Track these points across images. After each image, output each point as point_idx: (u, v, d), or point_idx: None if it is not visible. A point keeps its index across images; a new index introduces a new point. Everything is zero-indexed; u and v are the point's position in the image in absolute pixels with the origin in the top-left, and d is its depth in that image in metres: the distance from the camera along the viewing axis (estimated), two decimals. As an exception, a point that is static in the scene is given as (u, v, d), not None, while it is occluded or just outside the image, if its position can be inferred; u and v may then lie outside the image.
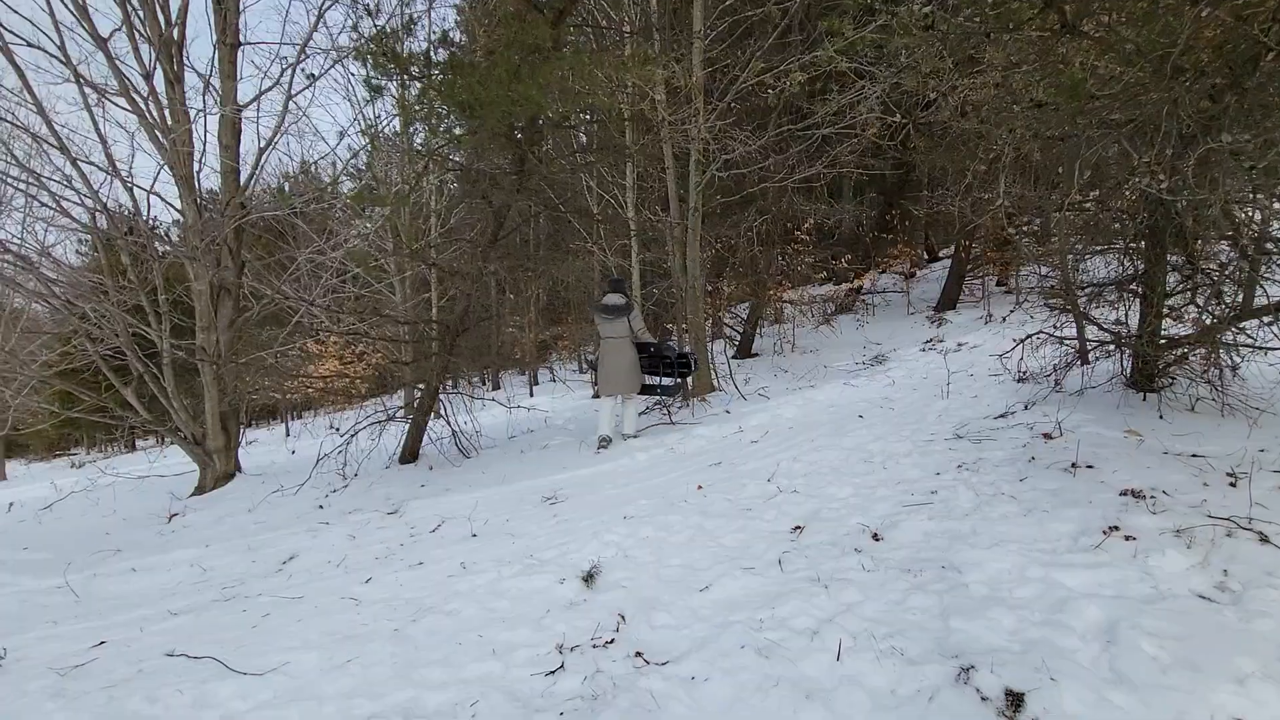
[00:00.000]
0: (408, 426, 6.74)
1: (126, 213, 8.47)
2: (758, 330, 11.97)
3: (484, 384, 17.04)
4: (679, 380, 6.48)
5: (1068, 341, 4.73)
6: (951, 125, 5.92)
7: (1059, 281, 4.66)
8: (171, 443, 10.21)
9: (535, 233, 16.25)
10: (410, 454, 6.63)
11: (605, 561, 3.26)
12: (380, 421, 6.54)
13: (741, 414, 6.43)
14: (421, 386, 6.97)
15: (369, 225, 11.29)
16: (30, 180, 6.19)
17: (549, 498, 4.77)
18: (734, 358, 10.84)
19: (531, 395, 12.87)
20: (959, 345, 7.99)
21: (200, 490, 6.50)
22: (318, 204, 8.67)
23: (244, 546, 4.53)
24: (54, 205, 6.19)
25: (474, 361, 8.33)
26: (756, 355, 11.14)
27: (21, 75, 5.76)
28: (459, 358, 6.88)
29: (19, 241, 7.37)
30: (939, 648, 2.23)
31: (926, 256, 14.80)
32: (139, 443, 20.24)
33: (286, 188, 16.00)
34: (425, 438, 6.73)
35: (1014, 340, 5.48)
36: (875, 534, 3.10)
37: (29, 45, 5.69)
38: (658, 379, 6.37)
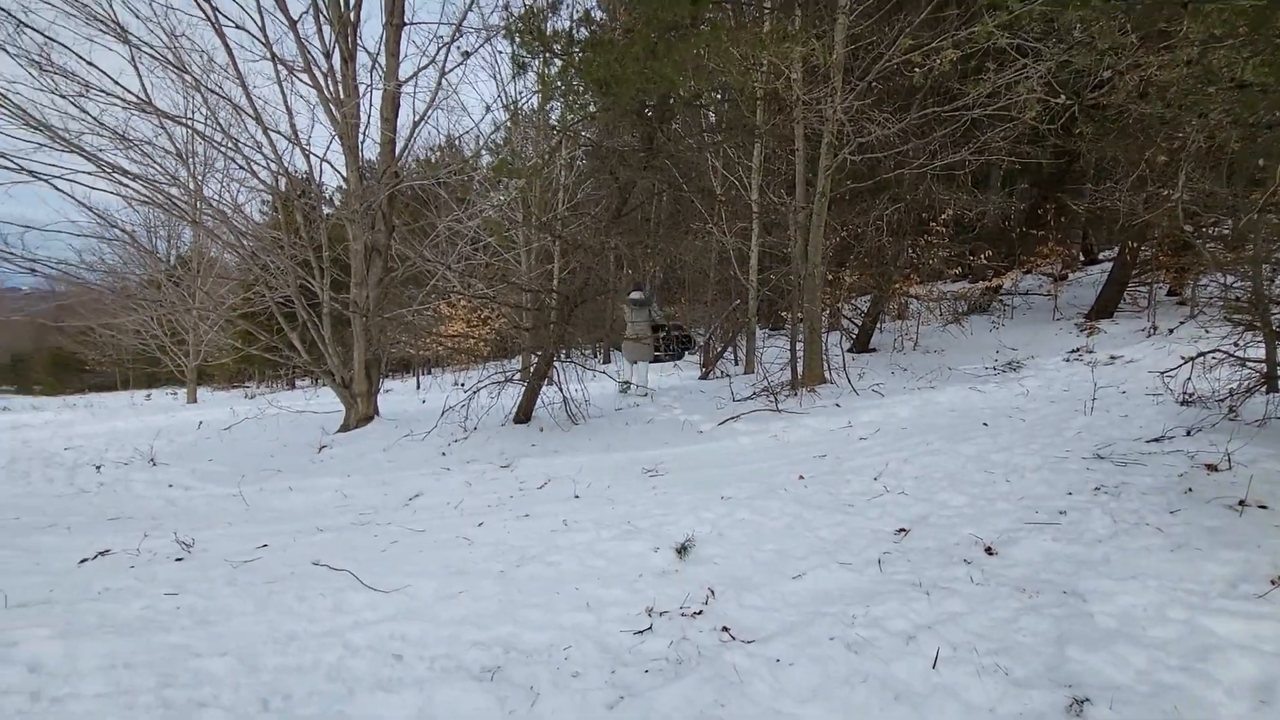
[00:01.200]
0: (523, 389, 7.12)
1: (302, 177, 9.59)
2: (878, 324, 11.45)
3: (596, 356, 17.60)
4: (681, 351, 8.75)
5: (1252, 364, 4.10)
6: (1128, 109, 5.23)
7: (1249, 294, 4.03)
8: (324, 384, 11.55)
9: (657, 210, 16.37)
10: (524, 414, 7.00)
11: (700, 537, 3.31)
12: (499, 382, 6.97)
13: (852, 409, 6.28)
14: (538, 353, 7.33)
15: (503, 197, 11.95)
16: (230, 146, 7.15)
17: (649, 470, 4.90)
18: (850, 350, 10.53)
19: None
20: (1112, 358, 7.18)
21: (345, 428, 7.26)
22: (460, 175, 9.31)
23: (379, 481, 5.04)
24: (246, 168, 7.11)
25: (589, 333, 8.62)
26: (874, 350, 10.75)
27: (230, 53, 6.65)
28: (575, 328, 7.14)
29: (218, 199, 8.58)
30: (1050, 674, 2.08)
31: (1083, 258, 13.30)
32: (298, 382, 23.02)
33: (434, 159, 17.28)
34: (538, 401, 7.08)
35: (1182, 358, 4.85)
36: (989, 547, 2.93)
37: (236, 27, 6.54)
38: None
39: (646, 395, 8.00)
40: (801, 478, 4.26)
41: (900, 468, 4.19)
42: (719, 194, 10.90)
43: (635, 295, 9.11)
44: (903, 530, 3.21)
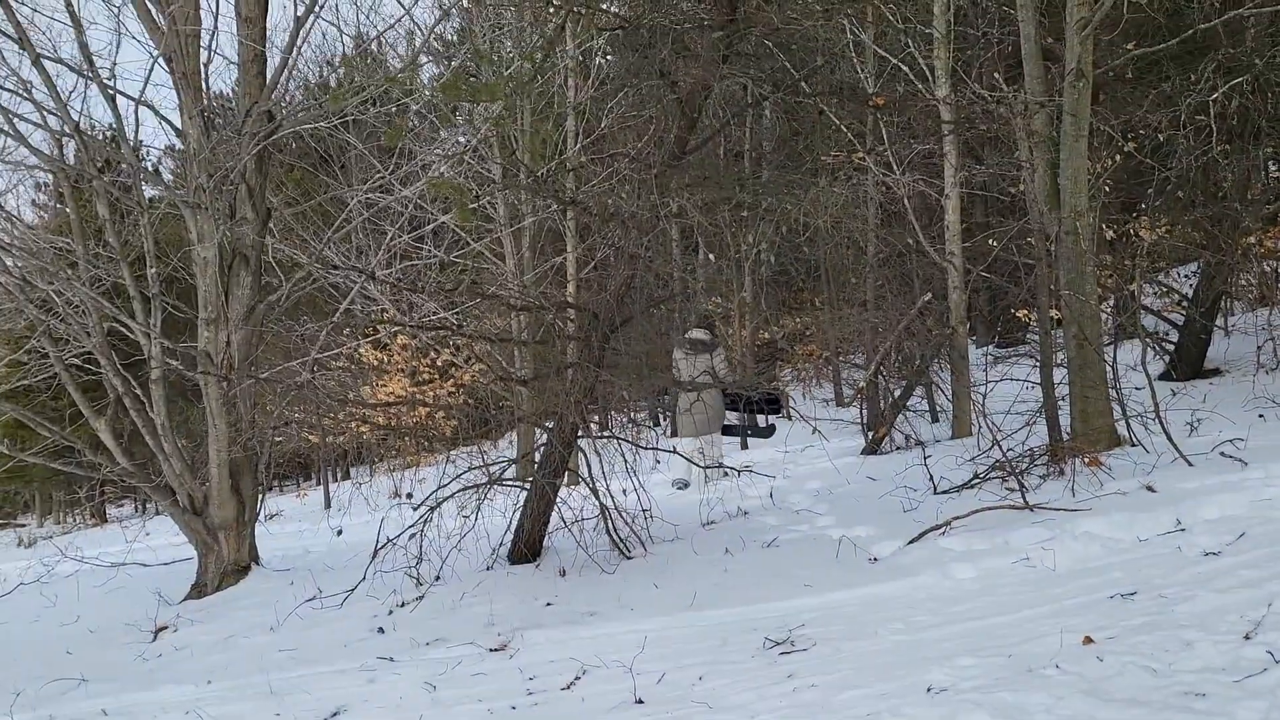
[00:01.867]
0: (524, 497, 7.14)
1: (105, 136, 10.16)
2: (1220, 321, 11.09)
3: (658, 422, 17.61)
4: (770, 422, 10.18)
5: None
6: None
7: None
8: (159, 510, 11.93)
9: (754, 138, 16.54)
10: (528, 546, 7.02)
11: (890, 773, 3.23)
12: (478, 487, 7.03)
13: (1181, 493, 6.11)
14: (549, 425, 7.38)
15: (465, 138, 12.34)
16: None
17: (779, 642, 4.86)
18: (1164, 377, 10.30)
19: (745, 445, 13.01)
20: None
21: (200, 590, 7.44)
22: (382, 104, 9.67)
23: (264, 688, 5.07)
24: (2, 125, 7.54)
25: (641, 381, 8.65)
26: (1218, 373, 10.52)
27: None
28: (615, 372, 7.17)
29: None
30: None
31: None
32: (113, 509, 23.92)
33: (335, 80, 18.11)
34: (554, 518, 7.09)
35: None
36: None
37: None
38: (740, 418, 10.08)
39: (720, 469, 8.92)
40: (1089, 640, 4.17)
41: None
42: (873, 94, 10.97)
43: (699, 334, 9.87)
44: (1315, 742, 3.05)
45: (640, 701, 4.29)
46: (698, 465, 8.89)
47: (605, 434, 7.79)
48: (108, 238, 8.10)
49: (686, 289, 16.03)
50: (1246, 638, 3.89)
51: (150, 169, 12.98)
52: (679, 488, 10.05)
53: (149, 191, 10.01)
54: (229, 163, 7.42)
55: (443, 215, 11.05)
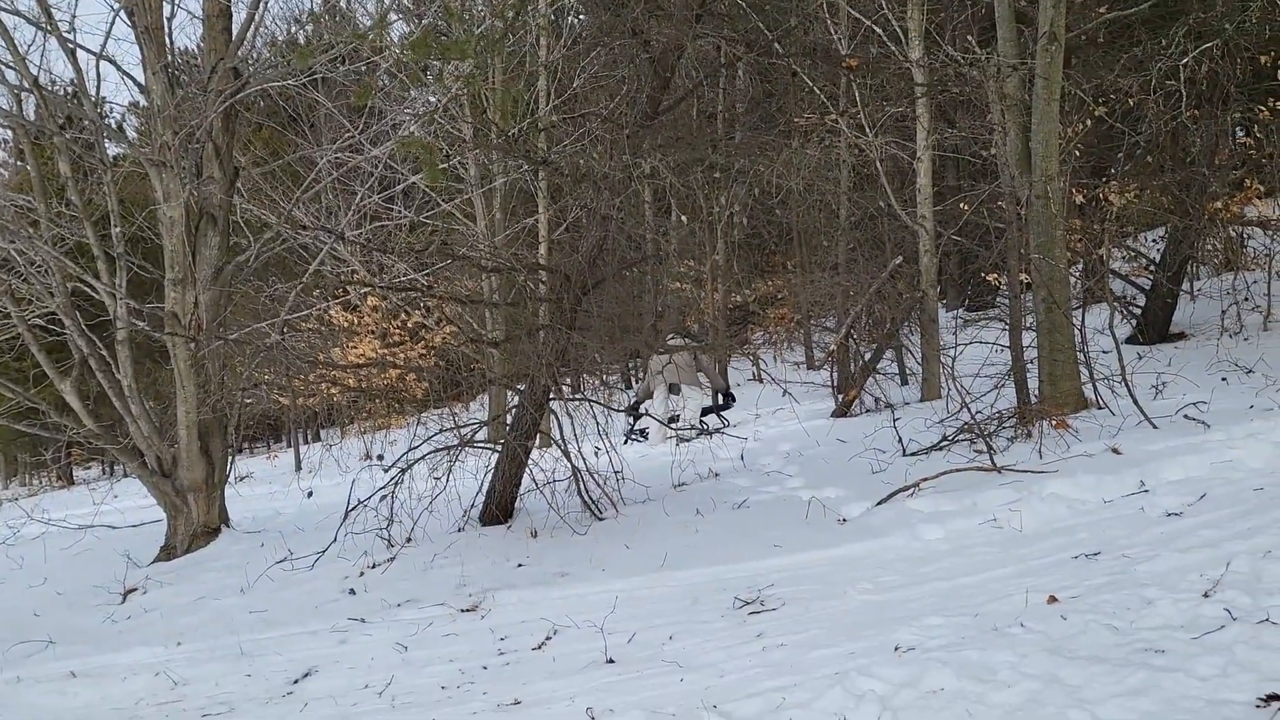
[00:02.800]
0: (495, 459, 7.16)
1: (66, 92, 9.97)
2: (1187, 285, 11.18)
3: (630, 384, 17.61)
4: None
5: None
6: None
7: None
8: (128, 473, 11.81)
9: (727, 99, 16.45)
10: (500, 508, 7.05)
11: (857, 731, 3.26)
12: (449, 449, 7.03)
13: (1145, 455, 6.15)
14: (521, 388, 7.37)
15: (435, 97, 12.21)
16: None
17: (748, 601, 4.88)
18: (1131, 341, 10.42)
19: (730, 399, 13.07)
20: None
21: (169, 552, 7.43)
22: (351, 62, 9.56)
23: (234, 649, 5.08)
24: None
25: (613, 343, 8.65)
26: (1182, 337, 10.62)
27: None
28: (587, 334, 7.16)
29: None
30: None
31: None
32: (80, 471, 23.72)
33: (303, 37, 17.84)
34: (526, 479, 7.11)
35: None
36: None
37: None
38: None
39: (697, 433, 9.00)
40: (1054, 600, 4.20)
41: (1257, 571, 4.08)
42: (847, 55, 10.92)
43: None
44: (1273, 699, 3.09)
45: (611, 661, 4.31)
46: (664, 424, 9.01)
47: (577, 396, 7.81)
48: (70, 196, 8.03)
49: (659, 251, 15.98)
50: (1205, 596, 3.92)
51: (114, 126, 12.78)
52: (636, 437, 10.34)
53: (112, 149, 9.88)
54: (194, 120, 7.33)
55: (413, 175, 10.98)
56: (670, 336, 10.37)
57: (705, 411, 10.91)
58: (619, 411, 10.15)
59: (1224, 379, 8.34)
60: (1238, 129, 12.01)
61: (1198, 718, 3.07)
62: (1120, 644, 3.64)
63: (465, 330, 9.18)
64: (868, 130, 10.88)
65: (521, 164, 11.72)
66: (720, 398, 11.21)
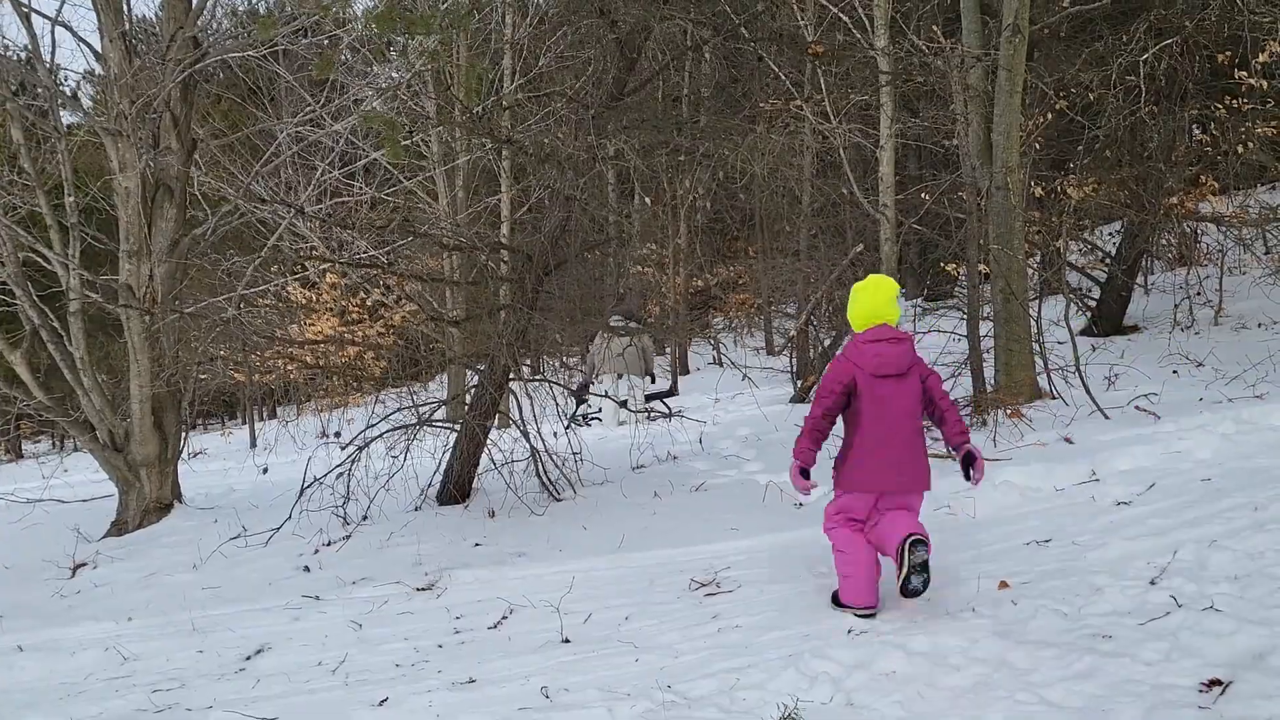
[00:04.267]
0: (454, 439, 7.15)
1: (19, 57, 9.76)
2: (1141, 279, 11.30)
3: (592, 370, 17.57)
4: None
5: None
6: None
7: None
8: (78, 447, 11.64)
9: (693, 83, 16.41)
10: (458, 488, 7.04)
11: (810, 712, 3.30)
12: (407, 428, 7.01)
13: (1097, 446, 6.24)
14: (481, 368, 7.35)
15: (398, 73, 12.08)
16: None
17: (704, 583, 4.92)
18: (1086, 332, 10.51)
19: (673, 390, 13.08)
20: None
21: (120, 527, 7.34)
22: (313, 35, 9.42)
23: (186, 625, 5.06)
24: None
25: (574, 324, 8.66)
26: (1136, 329, 10.72)
27: None
28: (548, 315, 7.15)
29: None
30: None
31: None
32: (29, 444, 23.34)
33: (264, 7, 17.61)
34: (484, 460, 7.10)
35: None
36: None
37: None
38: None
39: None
40: (1005, 585, 4.27)
41: (1202, 559, 4.16)
42: (812, 42, 10.93)
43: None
44: (1215, 684, 3.17)
45: (567, 640, 4.34)
46: (620, 404, 9.06)
47: (537, 377, 7.80)
48: (23, 163, 7.88)
49: (622, 234, 15.95)
50: (1152, 583, 3.99)
51: (69, 94, 12.54)
52: (581, 421, 10.52)
53: (67, 118, 9.69)
54: (152, 90, 7.23)
55: (374, 152, 10.87)
56: (614, 318, 10.36)
57: (650, 398, 11.06)
58: (584, 396, 10.18)
59: (1175, 372, 8.44)
60: (1194, 126, 12.14)
61: (1146, 700, 3.13)
62: (1069, 629, 3.72)
63: (425, 308, 9.12)
64: (832, 118, 10.90)
65: (485, 142, 11.65)
66: (654, 381, 11.49)
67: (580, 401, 10.79)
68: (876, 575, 4.29)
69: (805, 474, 4.48)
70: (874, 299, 4.72)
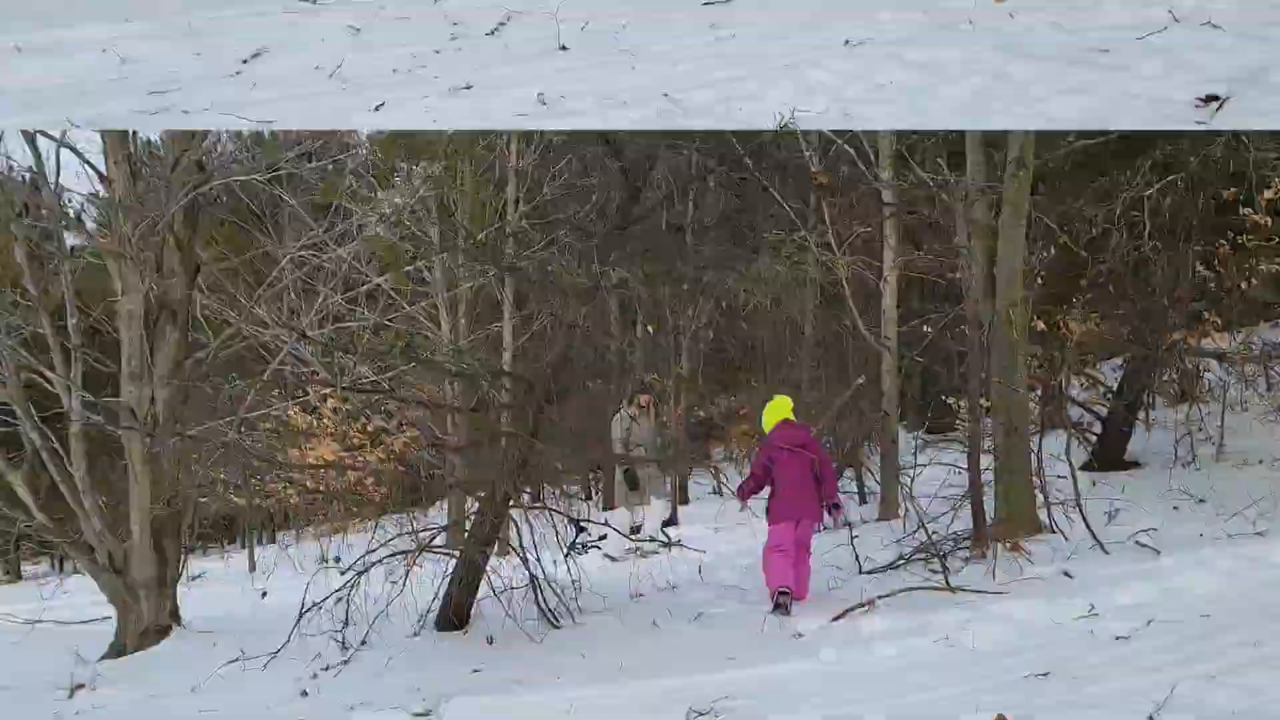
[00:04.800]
0: (453, 566, 7.26)
1: (20, 177, 10.03)
2: (1143, 415, 11.47)
3: (590, 497, 17.53)
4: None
5: None
6: None
7: None
8: (77, 568, 11.59)
9: (697, 214, 16.73)
10: (457, 614, 7.11)
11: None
12: (407, 554, 7.08)
13: (1096, 580, 6.33)
14: (481, 496, 7.50)
15: (401, 199, 12.36)
16: None
17: (702, 712, 4.90)
18: (1087, 467, 10.52)
19: (673, 521, 13.04)
20: None
21: (119, 649, 7.42)
22: (320, 158, 9.78)
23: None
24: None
25: (576, 453, 8.77)
26: (1137, 465, 10.80)
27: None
28: (549, 443, 7.33)
29: None
30: None
31: None
32: (27, 566, 23.08)
33: (268, 133, 18.11)
34: (483, 587, 7.19)
35: None
36: None
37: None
38: None
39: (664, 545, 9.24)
40: (1002, 719, 4.25)
41: (1200, 694, 4.19)
42: (816, 173, 11.14)
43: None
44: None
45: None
46: (626, 536, 9.32)
47: (538, 505, 7.90)
48: (26, 284, 8.04)
49: (624, 362, 16.04)
50: (1150, 719, 4.00)
51: (73, 216, 12.85)
52: (578, 549, 10.67)
53: (71, 240, 9.93)
54: (156, 212, 7.44)
55: (377, 278, 11.08)
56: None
57: (666, 523, 10.89)
58: (585, 524, 10.10)
59: (1175, 507, 8.48)
60: (1198, 262, 12.21)
61: None
62: None
63: (426, 435, 9.32)
64: (836, 249, 11.08)
65: (488, 269, 11.81)
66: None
67: (579, 530, 10.80)
68: (791, 575, 6.93)
69: (744, 501, 7.75)
70: (777, 409, 7.74)
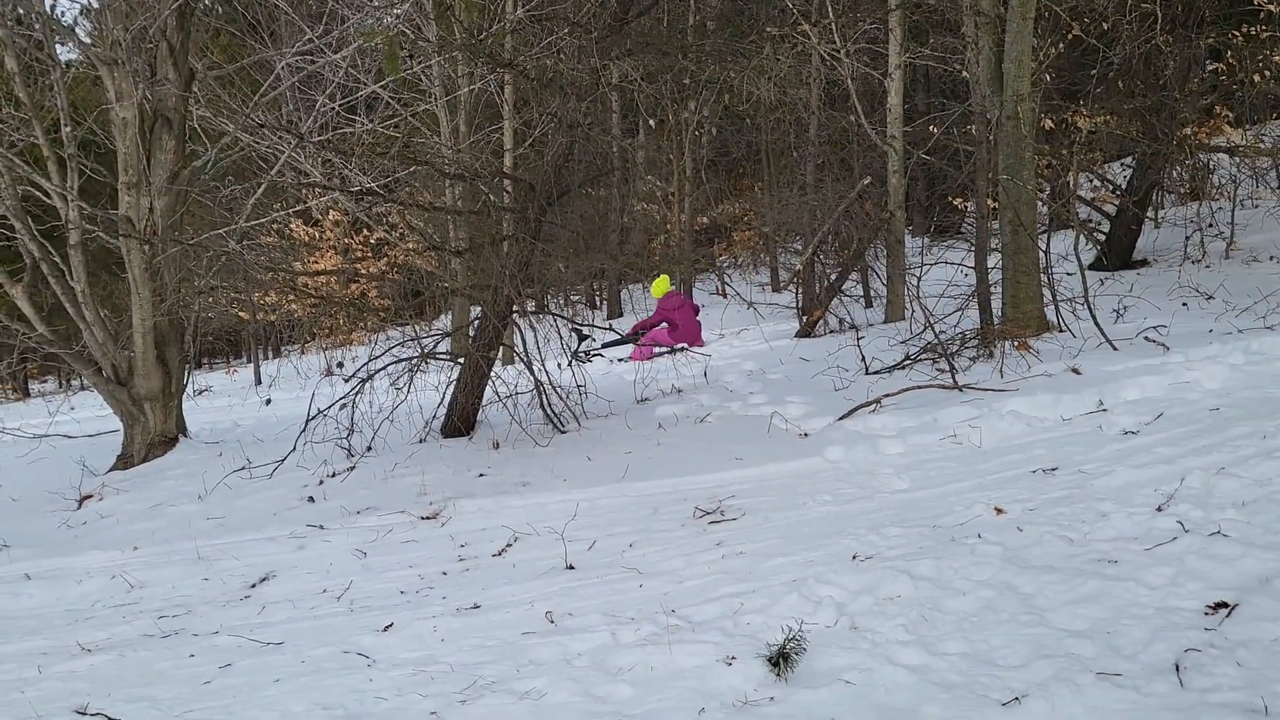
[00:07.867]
0: (457, 372, 7.15)
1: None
2: (1152, 212, 11.23)
3: (594, 303, 17.60)
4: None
5: None
6: None
7: None
8: (84, 385, 11.68)
9: (698, 7, 16.14)
10: (462, 420, 7.06)
11: (815, 635, 3.33)
12: (411, 360, 7.01)
13: (1104, 376, 6.23)
14: (484, 304, 7.32)
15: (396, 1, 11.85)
16: None
17: (709, 511, 4.96)
18: (1095, 266, 10.45)
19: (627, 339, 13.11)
20: None
21: (126, 461, 7.39)
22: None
23: (192, 554, 5.12)
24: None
25: (578, 257, 8.61)
26: (1145, 263, 10.67)
27: None
28: (551, 247, 7.10)
29: None
30: None
31: None
32: (34, 384, 23.49)
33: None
34: (488, 393, 7.12)
35: None
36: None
37: None
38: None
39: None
40: (1003, 512, 4.30)
41: (1209, 485, 4.18)
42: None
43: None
44: (1222, 606, 3.19)
45: (571, 567, 4.37)
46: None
47: (541, 311, 7.80)
48: (18, 93, 7.76)
49: (626, 165, 15.82)
50: (1159, 510, 4.01)
51: (64, 23, 12.35)
52: (581, 358, 10.80)
53: (64, 53, 9.59)
54: (147, 17, 7.14)
55: (374, 84, 10.75)
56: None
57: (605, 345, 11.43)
58: (588, 329, 10.16)
59: (1185, 304, 8.44)
60: (1210, 55, 11.96)
61: (1152, 622, 3.15)
62: (1074, 554, 3.75)
63: (427, 238, 9.06)
64: (841, 43, 10.77)
65: (486, 68, 11.49)
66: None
67: (581, 338, 10.78)
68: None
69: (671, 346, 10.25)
70: (664, 284, 10.96)
